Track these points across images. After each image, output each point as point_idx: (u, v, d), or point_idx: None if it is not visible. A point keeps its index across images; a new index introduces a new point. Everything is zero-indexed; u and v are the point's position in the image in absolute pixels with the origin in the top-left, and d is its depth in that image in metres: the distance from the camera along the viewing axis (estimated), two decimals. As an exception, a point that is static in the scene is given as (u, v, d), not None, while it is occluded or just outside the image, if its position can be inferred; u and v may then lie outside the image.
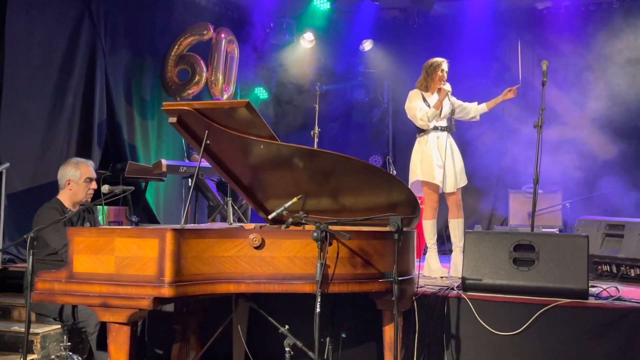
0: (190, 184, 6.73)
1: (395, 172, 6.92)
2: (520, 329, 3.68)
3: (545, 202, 7.31)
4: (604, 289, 4.04)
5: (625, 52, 7.51)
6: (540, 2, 8.34)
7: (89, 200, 4.30)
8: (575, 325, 3.62)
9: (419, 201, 3.64)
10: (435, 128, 5.29)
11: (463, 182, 5.33)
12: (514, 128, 8.24)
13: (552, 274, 3.85)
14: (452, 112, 5.36)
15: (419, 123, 5.30)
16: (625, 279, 4.83)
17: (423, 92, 5.40)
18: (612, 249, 4.96)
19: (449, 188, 5.22)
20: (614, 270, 4.92)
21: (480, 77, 8.43)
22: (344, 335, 4.11)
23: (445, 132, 5.31)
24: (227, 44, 8.00)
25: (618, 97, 7.72)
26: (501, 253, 3.99)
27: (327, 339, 3.88)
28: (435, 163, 5.19)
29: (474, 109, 5.50)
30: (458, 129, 8.28)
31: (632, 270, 4.85)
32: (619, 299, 3.81)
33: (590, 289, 3.88)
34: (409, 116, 5.43)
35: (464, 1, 8.30)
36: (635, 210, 7.58)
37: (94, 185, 4.30)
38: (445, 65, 5.39)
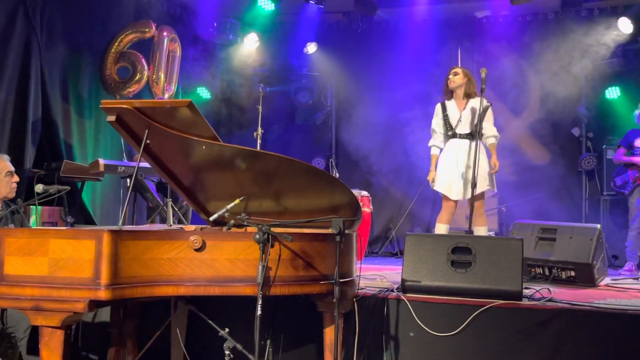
0: (128, 185, 6.58)
1: (338, 175, 6.96)
2: (457, 330, 3.75)
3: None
4: (537, 291, 4.17)
5: (559, 62, 7.81)
6: (479, 11, 8.58)
7: (14, 195, 4.16)
8: (509, 326, 3.73)
9: (361, 204, 3.68)
10: (454, 135, 5.48)
11: (476, 191, 5.23)
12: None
13: (488, 275, 3.96)
14: (478, 120, 5.36)
15: None
16: (557, 281, 5.01)
17: (446, 101, 5.64)
18: (545, 252, 5.13)
19: (455, 196, 5.43)
20: (547, 272, 5.10)
21: (421, 82, 8.60)
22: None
23: (467, 140, 5.44)
24: (169, 43, 7.88)
25: (552, 105, 8.01)
26: (439, 255, 4.07)
27: (268, 342, 3.86)
28: (445, 171, 5.44)
29: (488, 137, 5.54)
30: (400, 131, 8.46)
31: (563, 273, 5.04)
32: (550, 300, 3.95)
33: (524, 290, 4.00)
34: None
35: (406, 8, 8.43)
36: (567, 214, 7.89)
37: (15, 178, 4.18)
38: (453, 70, 5.59)
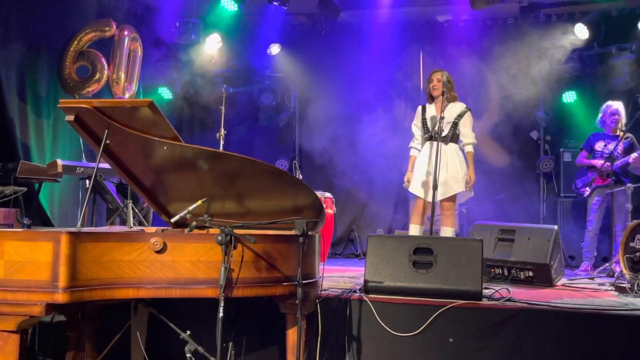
0: (88, 186, 6.46)
1: (301, 176, 6.96)
2: (419, 330, 3.79)
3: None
4: (496, 291, 4.24)
5: (518, 66, 7.96)
6: (441, 15, 8.69)
7: None
8: (469, 325, 3.78)
9: (324, 205, 3.69)
10: (431, 138, 5.54)
11: (444, 194, 5.41)
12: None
13: (448, 276, 4.01)
14: (454, 122, 5.46)
15: None
16: (516, 281, 5.11)
17: (427, 105, 5.71)
18: (504, 252, 5.23)
19: (428, 197, 5.44)
20: (506, 272, 5.19)
21: (384, 84, 8.67)
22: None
23: (439, 142, 5.37)
24: (130, 42, 7.77)
25: (511, 108, 8.16)
26: (401, 256, 4.11)
27: (230, 344, 3.83)
28: (420, 172, 5.50)
29: (465, 145, 5.59)
30: (364, 133, 8.50)
31: (521, 273, 5.14)
32: (509, 299, 4.03)
33: (483, 290, 4.07)
34: None
35: (369, 10, 8.49)
36: (525, 215, 8.05)
37: None
38: (435, 75, 5.62)
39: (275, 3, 7.79)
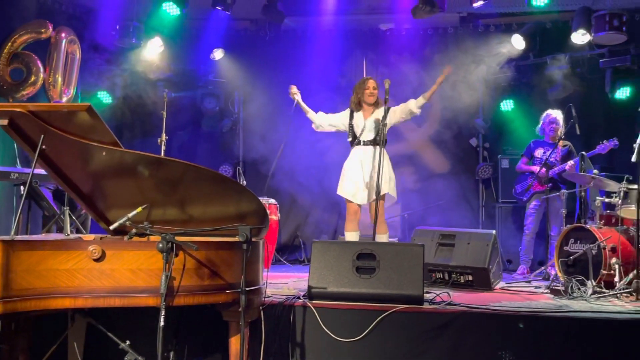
0: (22, 192, 6.23)
1: (245, 183, 6.91)
2: (362, 335, 3.82)
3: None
4: (437, 295, 4.32)
5: (457, 74, 8.13)
6: (383, 24, 8.81)
7: None
8: (411, 329, 3.84)
9: (268, 212, 3.67)
10: (359, 142, 5.70)
11: (371, 197, 5.52)
12: (359, 142, 8.58)
13: (391, 281, 4.06)
14: (381, 126, 5.53)
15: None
16: (456, 285, 5.21)
17: (355, 112, 5.84)
18: (445, 257, 5.33)
19: (360, 200, 5.65)
20: (446, 277, 5.29)
21: (327, 91, 8.69)
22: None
23: (371, 147, 5.66)
24: (67, 44, 7.55)
25: (452, 116, 8.34)
26: (345, 262, 4.13)
27: (171, 353, 3.77)
28: (349, 177, 5.63)
29: (412, 104, 5.81)
30: (308, 139, 8.53)
31: (461, 277, 5.25)
32: (450, 303, 4.11)
33: (425, 294, 4.14)
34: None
35: (313, 17, 8.53)
36: (465, 220, 8.23)
37: None
38: (373, 85, 5.77)
39: (218, 8, 7.72)
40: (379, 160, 5.37)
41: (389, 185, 5.65)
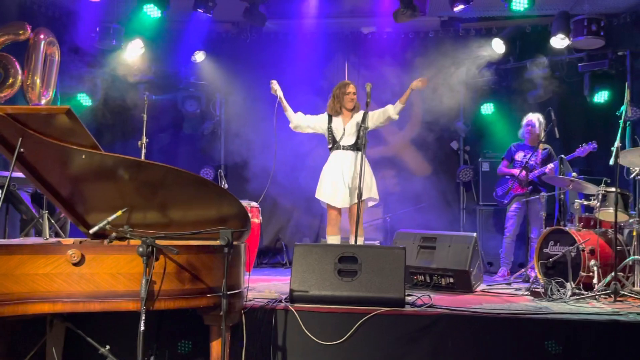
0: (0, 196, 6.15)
1: (226, 186, 6.88)
2: (343, 338, 3.82)
3: (368, 216, 7.71)
4: (419, 297, 4.34)
5: (439, 78, 8.20)
6: (365, 27, 8.84)
7: None
8: (393, 332, 3.85)
9: (250, 215, 3.66)
10: (338, 147, 5.71)
11: (354, 200, 5.51)
12: (341, 145, 8.59)
13: (372, 284, 4.07)
14: (360, 130, 5.56)
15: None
16: (437, 288, 5.24)
17: (334, 116, 5.81)
18: (426, 259, 5.36)
19: (340, 204, 5.64)
20: (428, 279, 5.32)
21: (309, 94, 8.69)
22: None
23: (351, 151, 5.68)
24: (46, 46, 7.48)
25: (433, 119, 8.39)
26: (327, 265, 4.13)
27: (152, 358, 3.74)
28: (329, 180, 5.65)
29: (390, 109, 5.79)
30: (289, 142, 8.52)
31: (443, 280, 5.27)
32: (431, 306, 4.12)
33: (406, 297, 4.15)
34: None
35: (295, 20, 8.53)
36: (446, 223, 8.28)
37: None
38: (352, 90, 5.77)
39: (200, 10, 7.69)
40: (360, 165, 5.39)
41: (370, 190, 5.66)
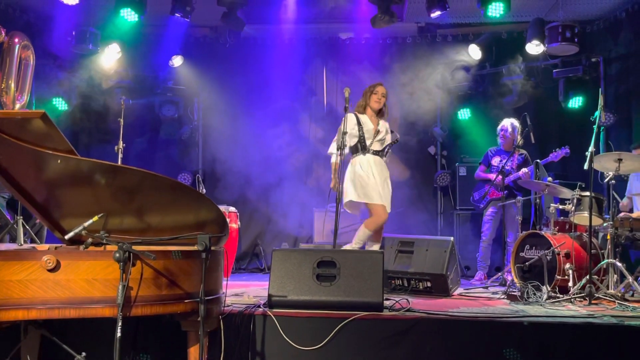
0: (-27, 201, 6.05)
1: (204, 191, 6.85)
2: (322, 343, 3.82)
3: (346, 220, 7.72)
4: (397, 301, 4.35)
5: (415, 82, 8.26)
6: (343, 33, 8.88)
7: None
8: (372, 336, 3.85)
9: (228, 220, 3.65)
10: (368, 151, 5.60)
11: (389, 207, 5.65)
12: (319, 150, 8.65)
13: (351, 288, 4.07)
14: (385, 138, 5.61)
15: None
16: (415, 292, 5.27)
17: (359, 114, 5.66)
18: (404, 264, 5.38)
19: (388, 207, 5.63)
20: (405, 283, 5.34)
21: (287, 99, 8.73)
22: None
23: (378, 157, 5.64)
24: (21, 50, 7.37)
25: (410, 124, 8.45)
26: (305, 269, 4.13)
27: (129, 365, 3.70)
28: (372, 182, 5.51)
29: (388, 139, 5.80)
30: (268, 147, 8.51)
31: (420, 284, 5.30)
32: (409, 310, 4.14)
33: (385, 301, 4.16)
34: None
35: (273, 25, 8.54)
36: (424, 227, 8.33)
37: None
38: (380, 88, 5.71)
39: (177, 15, 7.65)
40: (385, 174, 5.63)
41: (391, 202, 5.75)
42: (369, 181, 5.51)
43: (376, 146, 5.65)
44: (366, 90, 5.77)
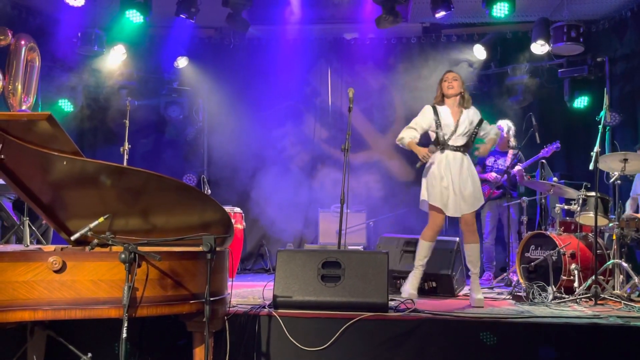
0: (-20, 202, 6.08)
1: (210, 192, 6.87)
2: (328, 344, 3.82)
3: (351, 221, 7.73)
4: (402, 302, 4.35)
5: (421, 83, 8.25)
6: (348, 33, 8.89)
7: None
8: (377, 337, 3.86)
9: (233, 220, 3.65)
10: (447, 147, 4.97)
11: (472, 207, 4.95)
12: (324, 150, 8.65)
13: (356, 289, 4.07)
14: (472, 132, 5.03)
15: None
16: (420, 292, 5.25)
17: (437, 105, 5.10)
18: (409, 264, 5.37)
19: (452, 212, 4.92)
20: (411, 284, 5.32)
21: (293, 100, 8.74)
22: None
23: (460, 153, 4.96)
24: (27, 52, 7.42)
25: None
26: (310, 270, 4.13)
27: (135, 365, 3.72)
28: (441, 184, 4.91)
29: (493, 132, 5.26)
30: (273, 147, 8.52)
31: (425, 284, 5.30)
32: (414, 310, 4.14)
33: (390, 302, 4.16)
34: None
35: (278, 26, 8.55)
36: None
37: None
38: (452, 75, 5.12)
39: (182, 16, 7.67)
40: (467, 170, 4.94)
41: (480, 198, 5.07)
42: (441, 183, 4.94)
43: (457, 141, 4.99)
44: (439, 81, 5.23)
